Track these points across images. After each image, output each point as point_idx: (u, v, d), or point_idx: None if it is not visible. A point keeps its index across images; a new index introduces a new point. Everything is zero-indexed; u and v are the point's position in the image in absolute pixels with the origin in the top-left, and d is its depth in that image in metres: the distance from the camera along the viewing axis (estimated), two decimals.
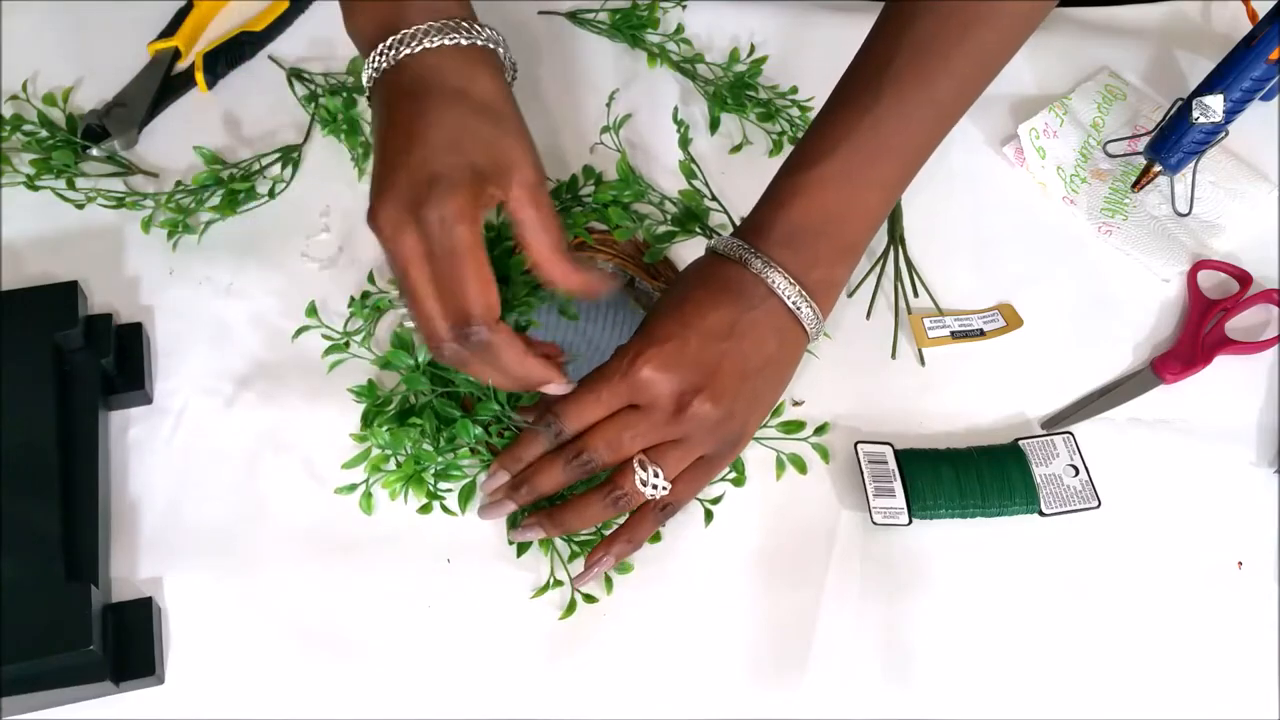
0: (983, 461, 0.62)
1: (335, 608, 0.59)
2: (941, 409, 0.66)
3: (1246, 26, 0.75)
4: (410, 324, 0.54)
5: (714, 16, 0.81)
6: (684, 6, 0.81)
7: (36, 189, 0.69)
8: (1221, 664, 0.59)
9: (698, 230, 0.70)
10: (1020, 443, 0.64)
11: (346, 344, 0.63)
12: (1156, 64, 0.81)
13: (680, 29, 0.79)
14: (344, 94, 0.74)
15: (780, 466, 0.63)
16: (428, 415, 0.60)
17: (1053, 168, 0.75)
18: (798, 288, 0.56)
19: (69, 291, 0.62)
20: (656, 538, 0.60)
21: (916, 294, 0.70)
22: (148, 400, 0.64)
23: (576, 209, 0.67)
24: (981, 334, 0.68)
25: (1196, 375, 0.67)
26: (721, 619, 0.59)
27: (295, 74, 0.76)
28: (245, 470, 0.62)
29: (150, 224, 0.69)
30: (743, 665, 0.58)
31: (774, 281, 0.56)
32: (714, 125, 0.75)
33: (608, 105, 0.73)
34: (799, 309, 0.57)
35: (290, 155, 0.72)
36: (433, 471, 0.60)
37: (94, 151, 0.71)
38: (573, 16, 0.81)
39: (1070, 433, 0.65)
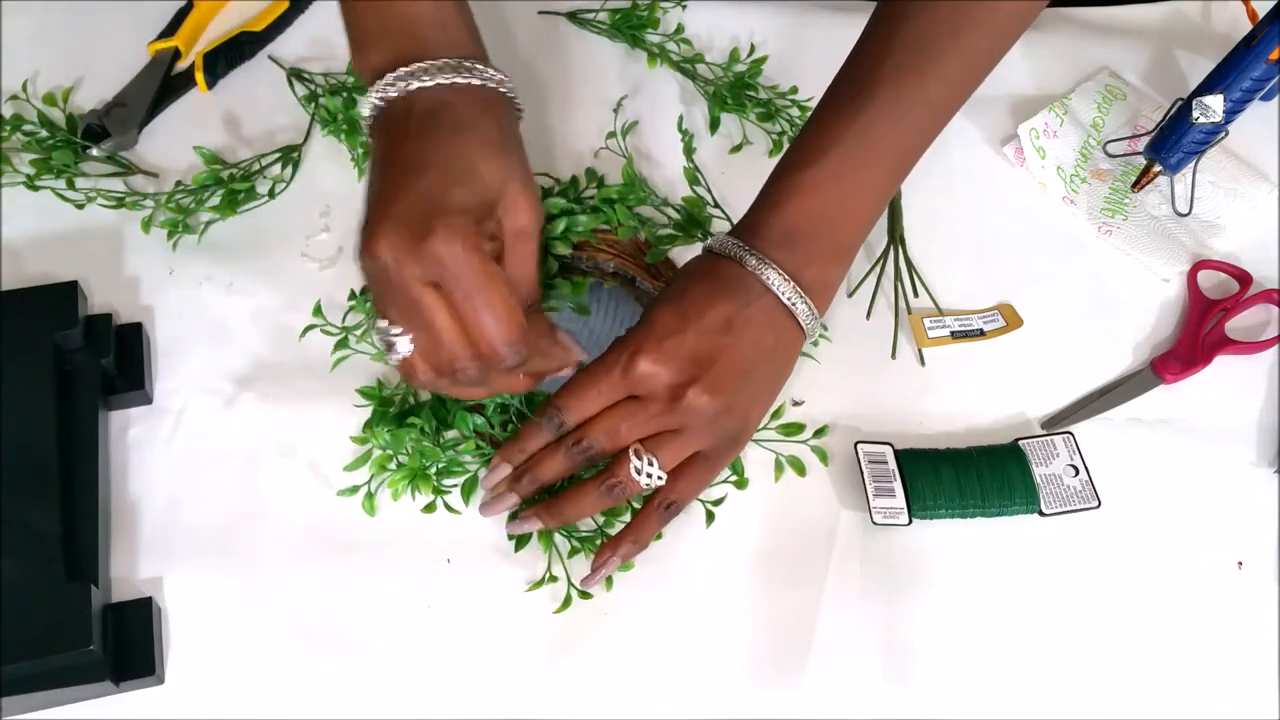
0: (983, 461, 0.62)
1: (335, 608, 0.59)
2: (941, 409, 0.66)
3: (1246, 26, 0.75)
4: (394, 358, 0.53)
5: (714, 16, 0.81)
6: (684, 6, 0.81)
7: (36, 189, 0.69)
8: (1221, 664, 0.59)
9: (699, 236, 0.70)
10: (1020, 443, 0.64)
11: (346, 339, 0.64)
12: (1156, 64, 0.81)
13: (680, 29, 0.79)
14: (344, 94, 0.74)
15: (779, 469, 0.63)
16: (425, 415, 0.60)
17: (1053, 168, 0.75)
18: (793, 285, 0.57)
19: (69, 291, 0.62)
20: (658, 537, 0.60)
21: (916, 294, 0.70)
22: (148, 400, 0.64)
23: (580, 213, 0.67)
24: (981, 334, 0.68)
25: (1196, 375, 0.67)
26: (721, 619, 0.59)
27: (295, 74, 0.76)
28: (245, 470, 0.62)
29: (150, 224, 0.69)
30: (743, 665, 0.58)
31: (769, 279, 0.56)
32: (714, 125, 0.75)
33: (615, 111, 0.73)
34: (795, 306, 0.57)
35: (290, 155, 0.72)
36: (435, 469, 0.60)
37: (94, 151, 0.71)
38: (573, 16, 0.81)
39: (1070, 433, 0.65)
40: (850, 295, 0.70)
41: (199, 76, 0.75)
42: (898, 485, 0.61)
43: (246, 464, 0.62)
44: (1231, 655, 0.60)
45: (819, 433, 0.64)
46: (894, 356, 0.68)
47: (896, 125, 0.57)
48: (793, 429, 0.64)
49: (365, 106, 0.55)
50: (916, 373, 0.68)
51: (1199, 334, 0.68)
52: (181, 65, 0.76)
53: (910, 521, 0.61)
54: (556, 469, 0.57)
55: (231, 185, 0.70)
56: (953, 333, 0.68)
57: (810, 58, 0.79)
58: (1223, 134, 0.70)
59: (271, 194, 0.71)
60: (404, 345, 0.52)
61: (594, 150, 0.74)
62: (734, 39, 0.80)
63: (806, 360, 0.66)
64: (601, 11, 0.80)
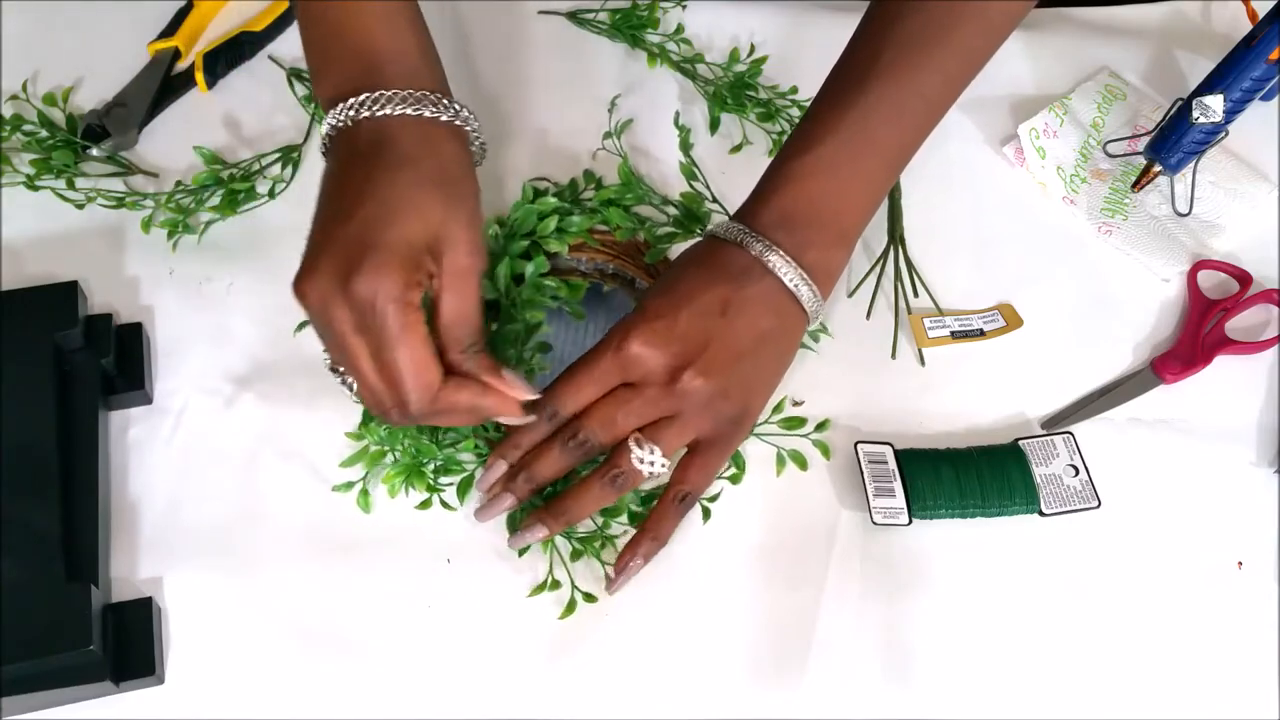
0: (983, 461, 0.62)
1: (335, 608, 0.59)
2: (941, 409, 0.66)
3: (1246, 26, 0.75)
4: (352, 395, 0.54)
5: (714, 16, 0.81)
6: (684, 6, 0.81)
7: (36, 189, 0.69)
8: (1221, 664, 0.59)
9: (698, 232, 0.70)
10: (1020, 443, 0.64)
11: None
12: (1156, 64, 0.81)
13: (680, 29, 0.79)
14: None
15: (780, 462, 0.63)
16: None
17: (1053, 168, 0.75)
18: (796, 268, 0.56)
19: (69, 291, 0.62)
20: None
21: (916, 294, 0.70)
22: (148, 400, 0.64)
23: (579, 215, 0.67)
24: (981, 334, 0.68)
25: (1196, 375, 0.67)
26: (721, 619, 0.59)
27: (295, 74, 0.76)
28: (245, 470, 0.62)
29: (150, 224, 0.69)
30: (743, 665, 0.58)
31: (772, 262, 0.56)
32: (714, 125, 0.75)
33: (609, 110, 0.73)
34: (798, 289, 0.57)
35: (290, 155, 0.72)
36: (432, 467, 0.60)
37: (94, 151, 0.71)
38: (573, 16, 0.81)
39: (1070, 433, 0.65)
40: (850, 295, 0.70)
41: (199, 76, 0.75)
42: (898, 485, 0.61)
43: (246, 464, 0.62)
44: (1231, 655, 0.60)
45: (820, 426, 0.64)
46: (894, 356, 0.68)
47: (893, 116, 0.58)
48: (794, 423, 0.64)
49: (320, 132, 0.55)
50: (916, 373, 0.68)
51: (1199, 334, 0.68)
52: (181, 65, 0.76)
53: (910, 521, 0.61)
54: (554, 465, 0.57)
55: (231, 185, 0.70)
56: (953, 333, 0.68)
57: (810, 58, 0.78)
58: (1223, 134, 0.70)
59: (271, 194, 0.71)
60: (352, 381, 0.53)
61: (593, 151, 0.74)
62: (734, 39, 0.80)
63: (807, 359, 0.66)
64: (601, 11, 0.80)
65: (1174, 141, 0.71)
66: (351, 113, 0.53)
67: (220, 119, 0.75)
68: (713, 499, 0.62)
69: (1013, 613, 0.60)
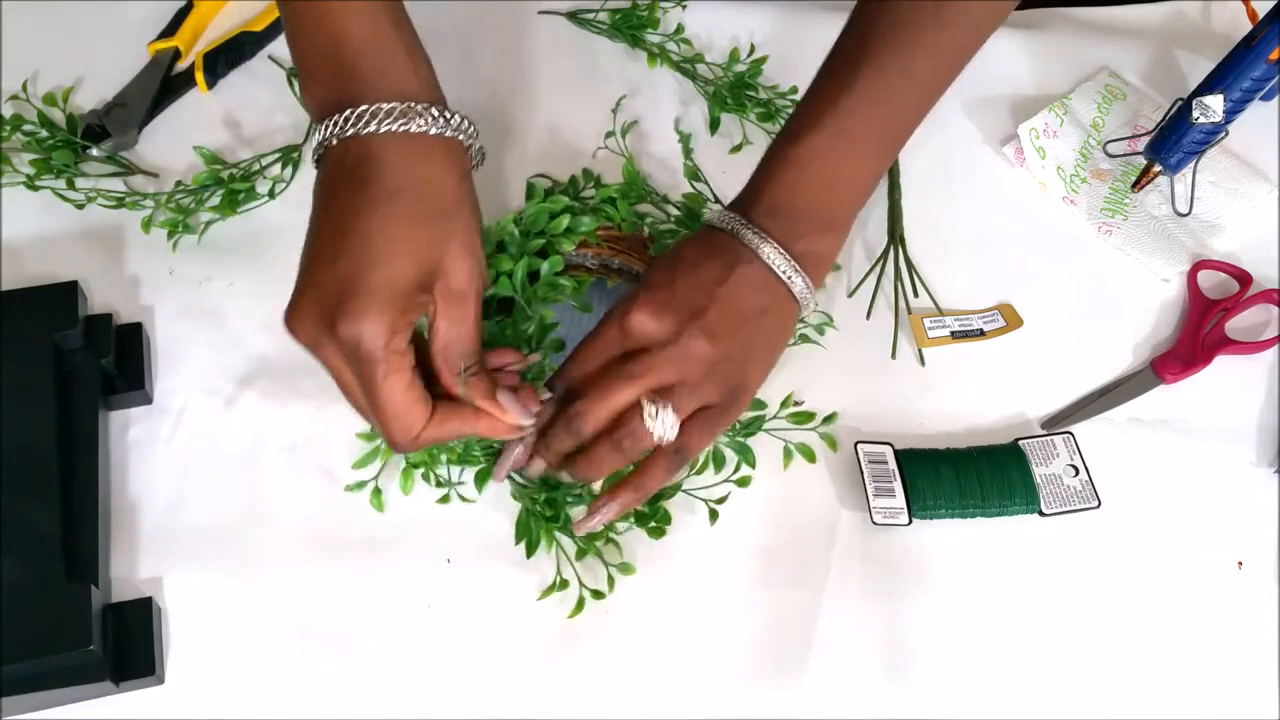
0: (983, 461, 0.62)
1: (335, 608, 0.59)
2: (941, 409, 0.66)
3: (1246, 26, 0.75)
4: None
5: (714, 16, 0.81)
6: (684, 6, 0.81)
7: (36, 189, 0.69)
8: (1221, 664, 0.59)
9: None
10: (1020, 443, 0.64)
11: None
12: (1156, 64, 0.81)
13: (680, 29, 0.79)
14: None
15: (788, 455, 0.63)
16: None
17: (1053, 168, 0.75)
18: (787, 257, 0.56)
19: (69, 291, 0.62)
20: (661, 533, 0.60)
21: (916, 294, 0.70)
22: (148, 400, 0.64)
23: (588, 216, 0.67)
24: (981, 334, 0.68)
25: (1196, 375, 0.67)
26: (722, 618, 0.59)
27: (295, 74, 0.76)
28: (245, 470, 0.62)
29: (150, 224, 0.69)
30: (743, 665, 0.58)
31: (764, 252, 0.56)
32: (714, 125, 0.76)
33: (614, 111, 0.73)
34: (790, 279, 0.56)
35: (290, 155, 0.72)
36: (446, 460, 0.60)
37: (94, 151, 0.71)
38: (573, 16, 0.81)
39: (1070, 433, 0.65)
40: (850, 295, 0.70)
41: (199, 76, 0.75)
42: (898, 485, 0.61)
43: (247, 464, 0.62)
44: (1231, 655, 0.60)
45: (828, 419, 0.64)
46: (894, 356, 0.68)
47: (886, 99, 0.58)
48: (803, 418, 0.64)
49: (312, 149, 0.53)
50: (916, 373, 0.68)
51: (1199, 334, 0.68)
52: (181, 65, 0.76)
53: (910, 521, 0.61)
54: (565, 441, 0.56)
55: (231, 185, 0.70)
56: (953, 333, 0.68)
57: (810, 58, 0.78)
58: (1223, 134, 0.70)
59: (271, 194, 0.71)
60: None
61: (593, 150, 0.74)
62: (734, 39, 0.80)
63: (807, 358, 0.66)
64: (601, 11, 0.80)
65: (1174, 141, 0.71)
66: (336, 129, 0.51)
67: (220, 119, 0.75)
68: (720, 501, 0.61)
69: (1013, 613, 0.60)
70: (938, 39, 0.58)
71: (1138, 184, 0.74)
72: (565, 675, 0.58)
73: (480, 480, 0.61)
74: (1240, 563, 0.62)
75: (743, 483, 0.62)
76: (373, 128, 0.50)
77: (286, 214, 0.70)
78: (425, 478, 0.61)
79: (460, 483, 0.61)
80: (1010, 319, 0.69)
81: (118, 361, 0.63)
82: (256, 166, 0.71)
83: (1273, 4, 0.69)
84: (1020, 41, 0.81)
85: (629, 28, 0.79)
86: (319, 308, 0.49)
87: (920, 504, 0.61)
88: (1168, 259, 0.72)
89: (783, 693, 0.58)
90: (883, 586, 0.60)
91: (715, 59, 0.78)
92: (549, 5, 0.81)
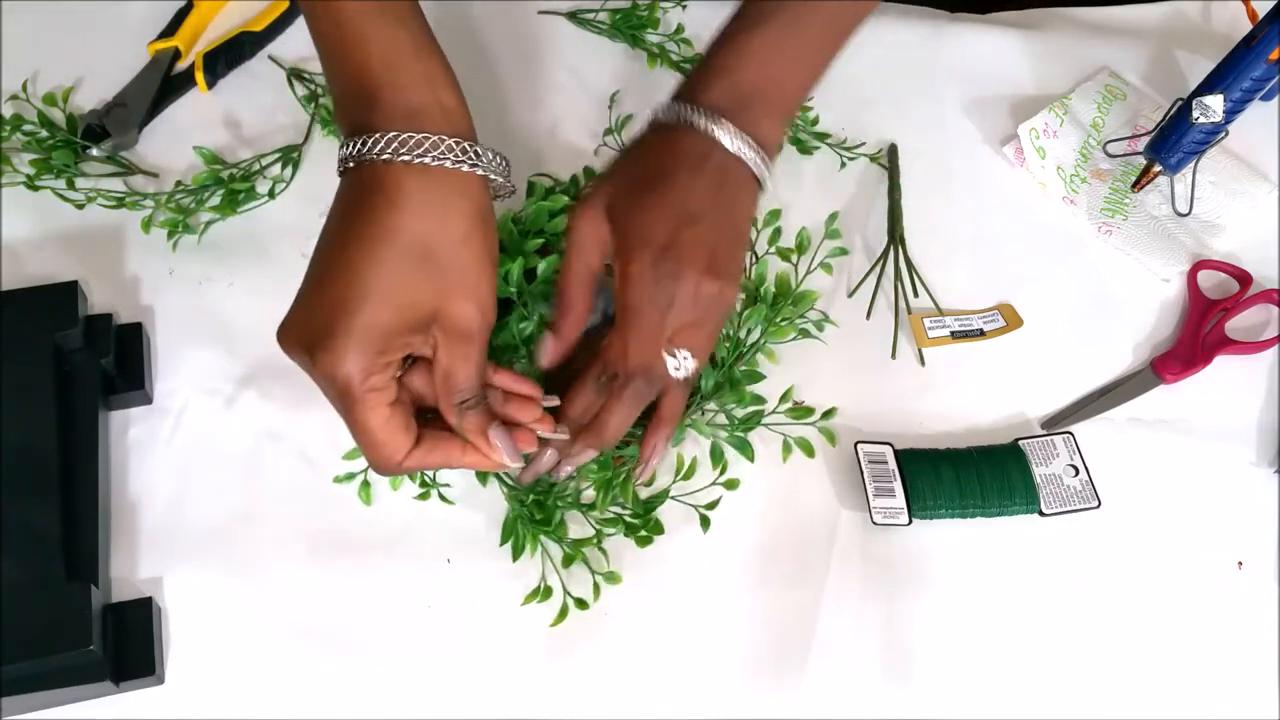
0: (983, 461, 0.62)
1: (335, 608, 0.59)
2: (941, 409, 0.66)
3: (1246, 26, 0.75)
4: None
5: (714, 16, 0.79)
6: (684, 6, 0.81)
7: (36, 189, 0.69)
8: (1221, 664, 0.59)
9: None
10: (1020, 443, 0.64)
11: None
12: (1156, 64, 0.81)
13: (680, 29, 0.79)
14: None
15: (786, 449, 0.63)
16: None
17: (1053, 168, 0.75)
18: (745, 138, 0.56)
19: (69, 291, 0.62)
20: (648, 541, 0.60)
21: (916, 294, 0.70)
22: (148, 400, 0.64)
23: None
24: (981, 334, 0.68)
25: (1196, 375, 0.67)
26: (722, 619, 0.59)
27: (295, 74, 0.76)
28: (245, 470, 0.62)
29: (150, 224, 0.69)
30: (743, 665, 0.58)
31: (724, 139, 0.56)
32: None
33: (610, 106, 0.73)
34: (750, 159, 0.56)
35: (290, 155, 0.72)
36: None
37: (94, 151, 0.71)
38: (573, 16, 0.81)
39: (1070, 433, 0.65)
40: (850, 295, 0.70)
41: (199, 76, 0.75)
42: (898, 485, 0.61)
43: (247, 464, 0.62)
44: (1231, 655, 0.60)
45: (827, 414, 0.64)
46: (894, 356, 0.68)
47: None
48: (802, 412, 0.64)
49: (310, 146, 0.53)
50: (916, 373, 0.68)
51: (1199, 334, 0.68)
52: (181, 65, 0.76)
53: (910, 521, 0.61)
54: (622, 418, 0.56)
55: (231, 185, 0.70)
56: (953, 333, 0.68)
57: None
58: (1223, 134, 0.70)
59: (271, 194, 0.71)
60: None
61: (594, 148, 0.74)
62: None
63: (807, 356, 0.66)
64: (601, 11, 0.80)
65: (1174, 141, 0.71)
66: (354, 151, 0.50)
67: (220, 119, 0.75)
68: (710, 506, 0.61)
69: (1013, 613, 0.60)
70: None
71: (1138, 184, 0.74)
72: (566, 675, 0.58)
73: (482, 477, 0.61)
74: (1240, 563, 0.62)
75: (731, 485, 0.62)
76: (388, 156, 0.49)
77: (286, 214, 0.70)
78: (410, 475, 0.61)
79: (446, 484, 0.61)
80: (1010, 319, 0.69)
81: (118, 361, 0.63)
82: (256, 166, 0.71)
83: (1273, 4, 0.69)
84: (1020, 41, 0.81)
85: (629, 28, 0.79)
86: (303, 335, 0.49)
87: (920, 504, 0.61)
88: (1168, 259, 0.72)
89: (783, 693, 0.58)
90: (883, 586, 0.60)
91: None
92: (549, 5, 0.81)
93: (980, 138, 0.77)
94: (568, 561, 0.59)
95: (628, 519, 0.60)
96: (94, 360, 0.62)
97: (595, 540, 0.59)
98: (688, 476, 0.62)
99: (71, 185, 0.70)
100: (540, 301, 0.63)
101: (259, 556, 0.60)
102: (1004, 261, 0.72)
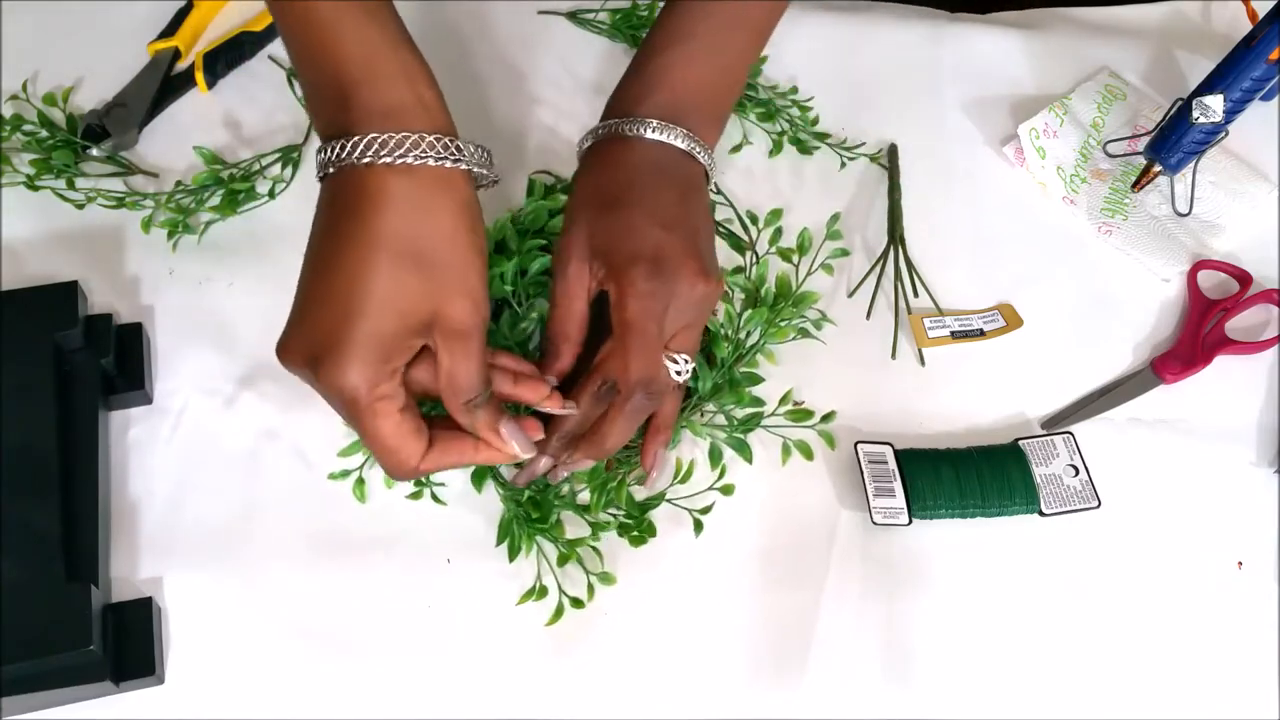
0: (983, 461, 0.62)
1: (335, 608, 0.59)
2: (941, 409, 0.66)
3: (1246, 26, 0.75)
4: None
5: None
6: None
7: (36, 189, 0.69)
8: (1221, 664, 0.59)
9: None
10: (1020, 443, 0.64)
11: None
12: (1156, 64, 0.81)
13: None
14: None
15: (786, 452, 0.63)
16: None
17: (1053, 168, 0.75)
18: (694, 139, 0.59)
19: (69, 291, 0.62)
20: (642, 541, 0.60)
21: (916, 294, 0.70)
22: (148, 400, 0.64)
23: None
24: (981, 334, 0.68)
25: (1196, 375, 0.67)
26: (721, 619, 0.59)
27: (295, 74, 0.76)
28: (245, 470, 0.62)
29: (150, 224, 0.69)
30: (742, 665, 0.58)
31: (667, 136, 0.58)
32: None
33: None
34: (700, 156, 0.59)
35: (290, 155, 0.72)
36: None
37: (94, 151, 0.71)
38: (573, 16, 0.81)
39: (1070, 433, 0.65)
40: (850, 295, 0.70)
41: (199, 76, 0.75)
42: (898, 485, 0.61)
43: (246, 464, 0.62)
44: (1231, 655, 0.60)
45: (826, 418, 0.64)
46: (894, 356, 0.68)
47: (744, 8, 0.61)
48: (801, 415, 0.64)
49: (313, 148, 0.52)
50: (916, 373, 0.68)
51: (1199, 334, 0.68)
52: (181, 65, 0.76)
53: (910, 521, 0.61)
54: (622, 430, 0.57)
55: (231, 185, 0.70)
56: (953, 333, 0.68)
57: (810, 58, 0.79)
58: (1223, 134, 0.70)
59: (271, 194, 0.71)
60: None
61: None
62: None
63: (807, 356, 0.66)
64: (601, 11, 0.80)
65: (1174, 141, 0.71)
66: (335, 156, 0.49)
67: (220, 119, 0.75)
68: (705, 510, 0.61)
69: (1013, 613, 0.60)
70: None
71: (1138, 184, 0.74)
72: (566, 676, 0.58)
73: (477, 480, 0.61)
74: (1240, 563, 0.62)
75: (726, 491, 0.62)
76: (369, 159, 0.48)
77: (286, 214, 0.70)
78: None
79: (440, 484, 0.61)
80: (1010, 319, 0.69)
81: (118, 361, 0.63)
82: (256, 166, 0.71)
83: (1273, 4, 0.69)
84: (1020, 41, 0.81)
85: (629, 28, 0.79)
86: (305, 349, 0.49)
87: (920, 504, 0.61)
88: (1168, 259, 0.72)
89: (783, 693, 0.58)
90: (883, 586, 0.60)
91: None
92: (549, 5, 0.81)
93: (980, 138, 0.77)
94: (563, 561, 0.59)
95: (622, 519, 0.60)
96: (94, 360, 0.62)
97: (590, 539, 0.59)
98: (685, 480, 0.62)
99: (71, 185, 0.70)
100: (537, 296, 0.63)
101: (259, 556, 0.60)
102: (1004, 261, 0.72)
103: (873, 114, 0.77)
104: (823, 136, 0.76)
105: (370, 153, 0.48)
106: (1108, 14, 0.83)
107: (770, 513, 0.62)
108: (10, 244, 0.68)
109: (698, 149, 0.59)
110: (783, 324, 0.66)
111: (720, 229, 0.71)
